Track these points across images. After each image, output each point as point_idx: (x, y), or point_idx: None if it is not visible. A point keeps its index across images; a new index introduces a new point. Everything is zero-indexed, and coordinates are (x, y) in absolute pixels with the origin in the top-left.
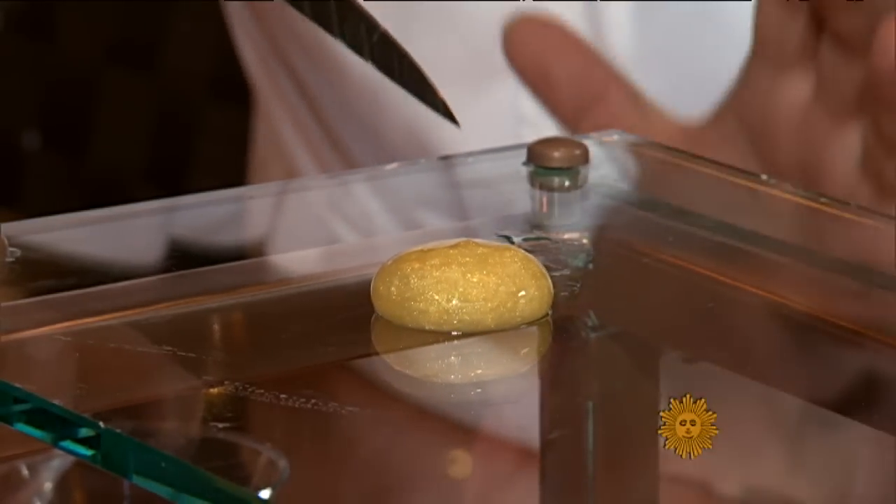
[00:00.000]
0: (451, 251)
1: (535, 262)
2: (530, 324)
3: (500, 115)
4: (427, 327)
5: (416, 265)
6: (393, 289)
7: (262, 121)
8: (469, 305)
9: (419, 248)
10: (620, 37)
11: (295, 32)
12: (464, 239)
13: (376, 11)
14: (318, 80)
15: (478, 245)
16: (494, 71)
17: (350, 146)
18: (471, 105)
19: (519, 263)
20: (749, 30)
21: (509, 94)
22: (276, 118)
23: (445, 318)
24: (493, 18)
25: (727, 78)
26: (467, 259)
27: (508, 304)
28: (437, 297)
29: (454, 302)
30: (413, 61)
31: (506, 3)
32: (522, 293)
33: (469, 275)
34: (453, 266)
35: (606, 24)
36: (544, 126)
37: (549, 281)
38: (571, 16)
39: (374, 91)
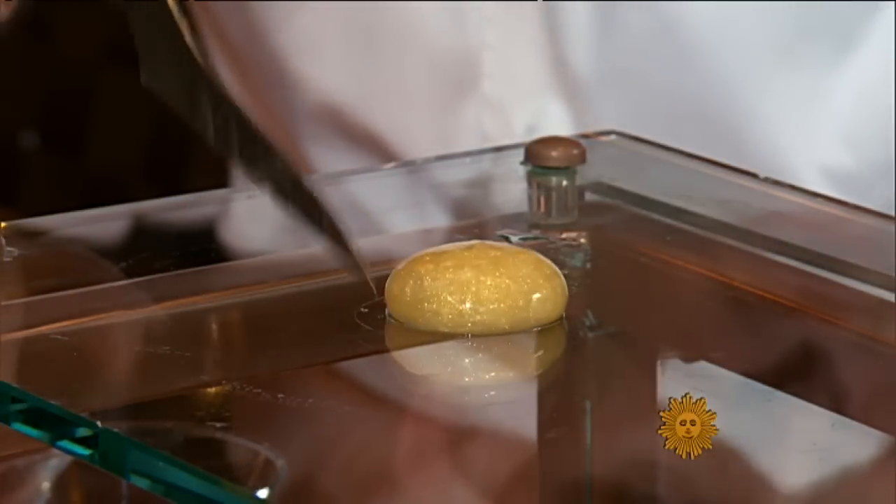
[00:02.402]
0: (465, 253)
1: (549, 264)
2: (545, 325)
3: (464, 134)
4: (440, 329)
5: (430, 267)
6: (407, 290)
7: None
8: (482, 307)
9: (433, 249)
10: (581, 55)
11: (253, 47)
12: (478, 241)
13: (342, 32)
14: (278, 93)
15: (491, 247)
16: (459, 92)
17: (317, 159)
18: (436, 124)
19: (532, 265)
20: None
21: (473, 113)
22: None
23: (459, 319)
24: (457, 41)
25: (686, 96)
26: (481, 261)
27: (521, 306)
28: (450, 299)
29: (467, 304)
30: (332, 216)
31: (470, 27)
32: (536, 295)
33: (482, 277)
34: (466, 268)
35: (567, 42)
36: (507, 143)
37: (564, 282)
38: (532, 35)
39: (334, 104)
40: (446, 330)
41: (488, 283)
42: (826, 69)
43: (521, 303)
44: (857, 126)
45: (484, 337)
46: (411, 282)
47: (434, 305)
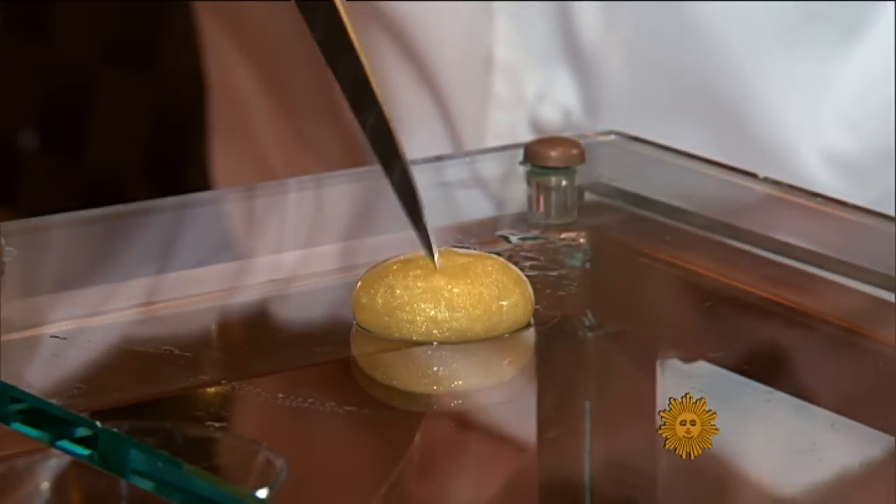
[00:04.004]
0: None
1: (515, 270)
2: (515, 331)
3: (478, 98)
4: (413, 337)
5: (400, 275)
6: (379, 300)
7: (220, 118)
8: (456, 314)
9: (400, 258)
10: (590, 32)
11: (273, 31)
12: (443, 248)
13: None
14: (298, 80)
15: (458, 254)
16: (474, 56)
17: (321, 145)
18: (453, 88)
19: (500, 271)
20: (716, 26)
21: (487, 77)
22: (245, 118)
23: (433, 327)
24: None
25: (691, 73)
26: (450, 269)
27: (494, 311)
28: (424, 307)
29: (441, 311)
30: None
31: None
32: (505, 301)
33: (452, 284)
34: (437, 275)
35: (576, 19)
36: (518, 108)
37: (530, 287)
38: (542, 11)
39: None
40: (419, 338)
41: (461, 289)
42: (831, 53)
43: (493, 308)
44: (861, 111)
45: (472, 343)
46: (382, 290)
47: (408, 314)
